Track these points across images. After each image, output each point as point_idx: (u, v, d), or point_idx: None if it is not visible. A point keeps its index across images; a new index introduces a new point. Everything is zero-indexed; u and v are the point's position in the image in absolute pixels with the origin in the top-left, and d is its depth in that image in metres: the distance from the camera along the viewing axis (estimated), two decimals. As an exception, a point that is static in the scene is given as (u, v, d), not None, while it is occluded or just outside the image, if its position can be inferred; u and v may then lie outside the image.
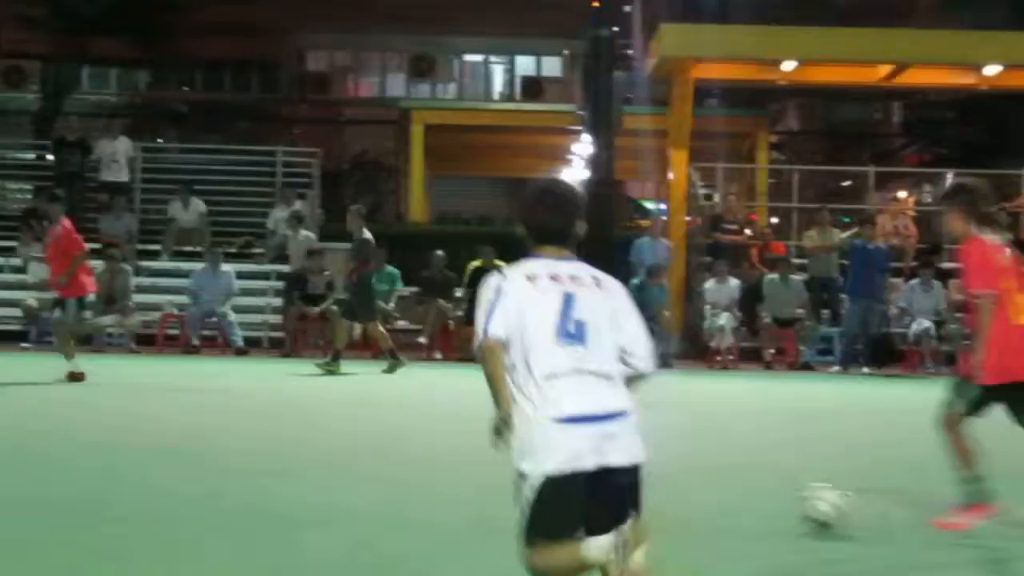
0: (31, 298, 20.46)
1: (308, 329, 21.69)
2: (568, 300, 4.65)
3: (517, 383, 4.60)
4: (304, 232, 22.70)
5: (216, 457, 9.17)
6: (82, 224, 22.86)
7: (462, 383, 12.88)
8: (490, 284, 4.73)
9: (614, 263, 23.53)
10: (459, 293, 21.48)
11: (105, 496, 7.43)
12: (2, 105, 34.84)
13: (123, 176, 24.18)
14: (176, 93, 41.53)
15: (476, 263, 21.20)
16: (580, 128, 25.98)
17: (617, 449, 4.52)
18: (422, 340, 21.19)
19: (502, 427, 4.61)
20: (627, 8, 28.08)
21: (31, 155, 27.67)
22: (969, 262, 7.21)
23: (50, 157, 26.01)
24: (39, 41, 34.14)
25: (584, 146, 27.81)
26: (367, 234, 17.74)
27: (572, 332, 4.61)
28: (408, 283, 22.31)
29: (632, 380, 4.74)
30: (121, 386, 15.03)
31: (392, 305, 21.54)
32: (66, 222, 15.42)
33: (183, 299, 21.65)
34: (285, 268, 22.78)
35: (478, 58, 45.23)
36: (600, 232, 23.09)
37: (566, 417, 4.50)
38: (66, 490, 7.60)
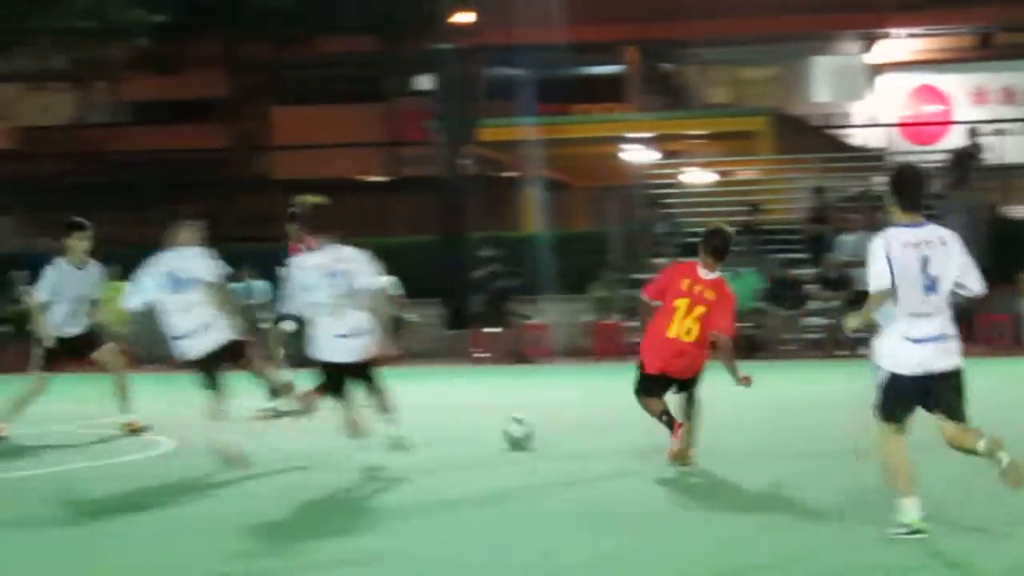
0: None
1: None
2: (925, 261, 7.14)
3: (891, 315, 7.19)
4: None
5: None
6: None
7: None
8: (877, 247, 7.19)
9: None
10: None
11: None
12: None
13: None
14: None
15: None
16: None
17: (947, 358, 7.15)
18: None
19: (857, 320, 7.39)
20: None
21: None
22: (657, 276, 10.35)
23: None
24: None
25: None
26: None
27: (929, 285, 7.13)
28: None
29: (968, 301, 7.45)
30: None
31: None
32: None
33: None
34: None
35: None
36: None
37: (916, 338, 7.12)
38: None
